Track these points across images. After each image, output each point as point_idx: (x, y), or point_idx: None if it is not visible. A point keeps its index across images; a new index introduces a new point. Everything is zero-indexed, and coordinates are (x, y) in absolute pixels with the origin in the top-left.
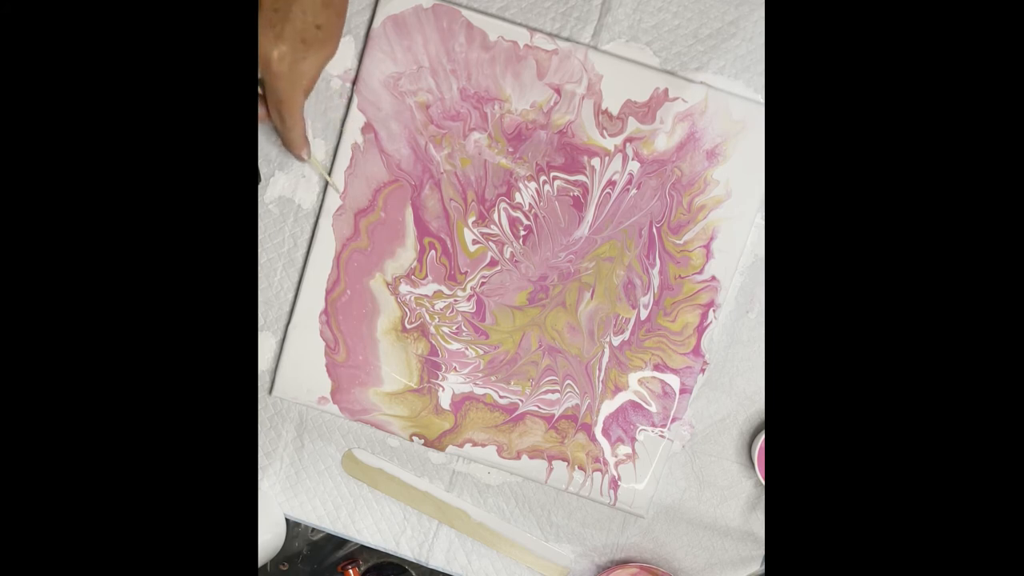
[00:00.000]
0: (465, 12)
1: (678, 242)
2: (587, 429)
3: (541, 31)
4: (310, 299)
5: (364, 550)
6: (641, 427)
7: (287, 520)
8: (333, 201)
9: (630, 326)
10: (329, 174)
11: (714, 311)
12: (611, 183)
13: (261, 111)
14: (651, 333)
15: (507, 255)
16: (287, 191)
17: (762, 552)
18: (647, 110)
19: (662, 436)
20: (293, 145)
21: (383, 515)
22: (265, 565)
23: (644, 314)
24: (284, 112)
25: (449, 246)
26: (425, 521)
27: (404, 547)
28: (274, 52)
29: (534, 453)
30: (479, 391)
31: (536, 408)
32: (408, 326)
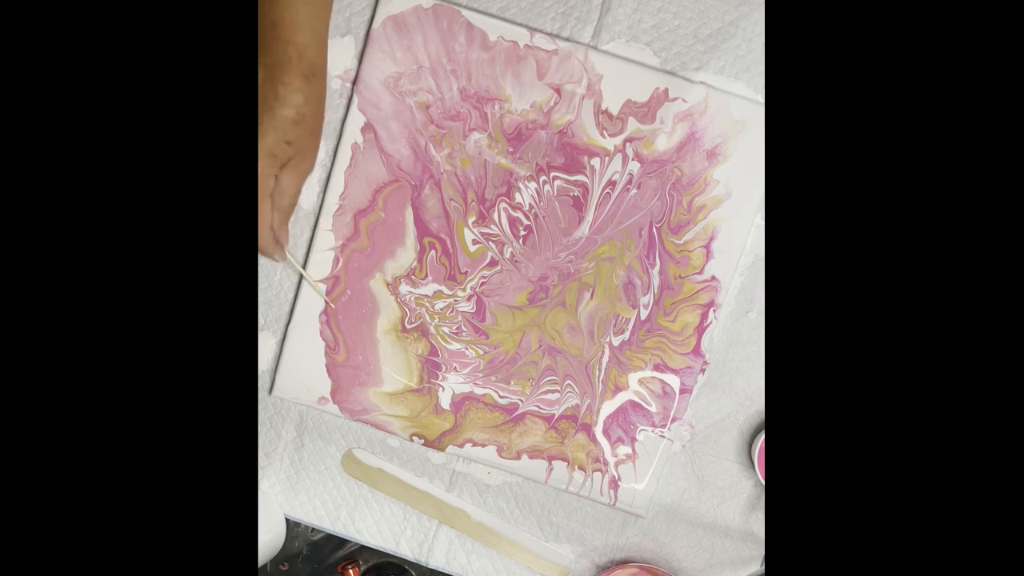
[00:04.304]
0: (465, 12)
1: (678, 242)
2: (587, 429)
3: (541, 31)
4: (310, 299)
5: (364, 550)
6: (641, 427)
7: (287, 520)
8: (333, 201)
9: (630, 326)
10: (304, 266)
11: (714, 311)
12: (611, 183)
13: None
14: (651, 333)
15: (507, 255)
16: None
17: (762, 552)
18: (647, 110)
19: (662, 436)
20: (262, 251)
21: (383, 515)
22: (265, 565)
23: (644, 314)
24: None
25: (449, 246)
26: (425, 521)
27: (404, 547)
28: None
29: (534, 453)
30: (479, 391)
31: (536, 408)
32: (408, 326)
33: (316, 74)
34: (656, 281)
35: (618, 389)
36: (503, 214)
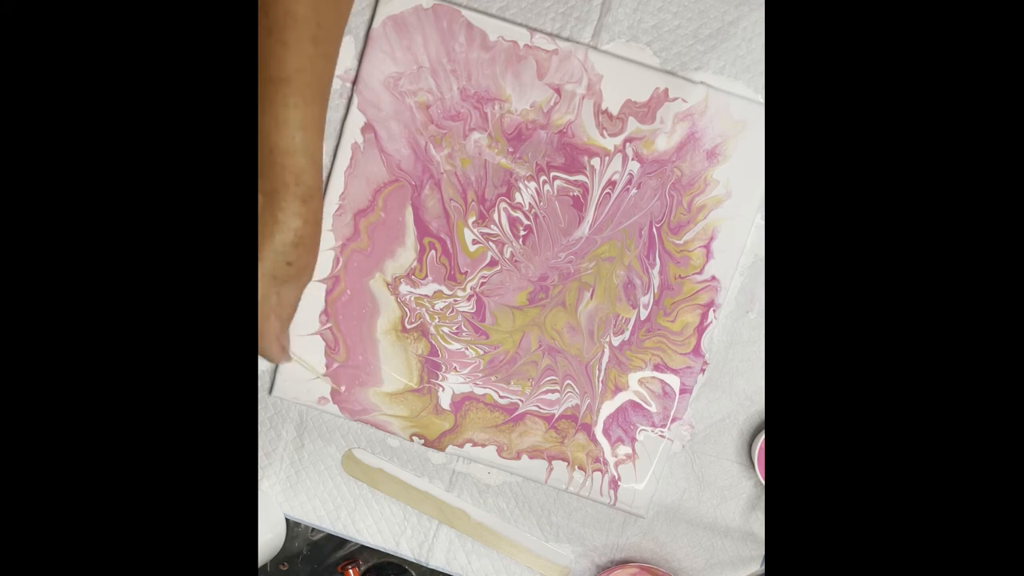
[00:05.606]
0: (465, 12)
1: (678, 242)
2: (587, 429)
3: (541, 31)
4: (310, 299)
5: (364, 550)
6: (641, 427)
7: (287, 520)
8: (333, 201)
9: (630, 326)
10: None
11: (714, 311)
12: (611, 183)
13: None
14: (651, 333)
15: (507, 255)
16: None
17: (762, 552)
18: (647, 110)
19: (662, 436)
20: (264, 356)
21: (383, 515)
22: (265, 565)
23: (644, 314)
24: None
25: (449, 246)
26: (425, 521)
27: (404, 547)
28: None
29: (534, 453)
30: (479, 391)
31: (536, 408)
32: (408, 326)
33: (313, 196)
34: (656, 281)
35: (618, 389)
36: (503, 214)
